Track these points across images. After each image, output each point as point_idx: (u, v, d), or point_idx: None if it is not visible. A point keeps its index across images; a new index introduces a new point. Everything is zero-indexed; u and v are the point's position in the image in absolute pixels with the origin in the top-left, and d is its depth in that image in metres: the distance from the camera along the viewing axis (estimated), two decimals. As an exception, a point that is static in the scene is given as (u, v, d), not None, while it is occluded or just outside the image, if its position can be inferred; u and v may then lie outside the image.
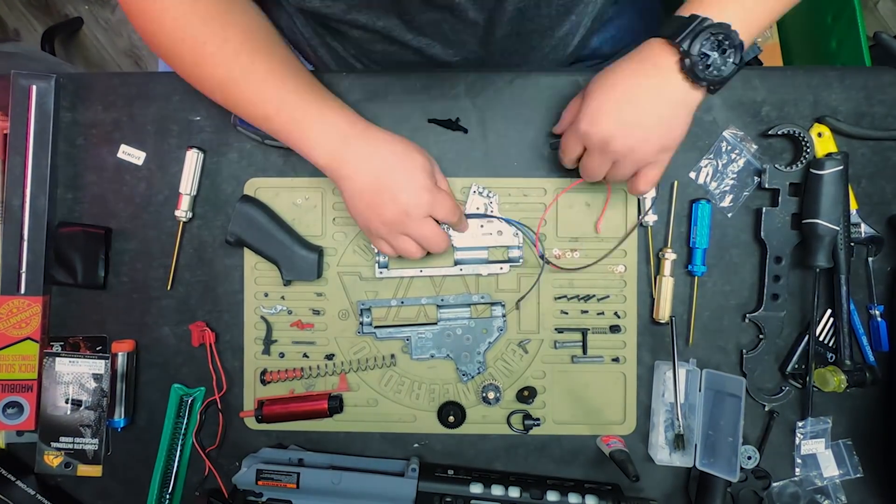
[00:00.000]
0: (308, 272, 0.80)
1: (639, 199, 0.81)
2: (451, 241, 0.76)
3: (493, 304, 0.82)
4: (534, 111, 0.81)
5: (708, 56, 0.60)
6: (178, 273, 0.83)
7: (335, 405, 0.81)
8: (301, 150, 0.71)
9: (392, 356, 0.82)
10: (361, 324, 0.82)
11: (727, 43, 0.60)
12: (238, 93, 0.69)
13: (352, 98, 0.81)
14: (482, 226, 0.81)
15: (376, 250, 0.81)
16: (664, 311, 0.80)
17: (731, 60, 0.61)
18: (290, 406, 0.81)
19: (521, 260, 0.81)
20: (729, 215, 0.81)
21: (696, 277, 0.81)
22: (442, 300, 0.82)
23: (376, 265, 0.82)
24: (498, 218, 0.80)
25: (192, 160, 0.81)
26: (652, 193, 0.80)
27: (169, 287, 0.83)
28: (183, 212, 0.82)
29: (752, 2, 0.61)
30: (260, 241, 0.80)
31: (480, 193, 0.81)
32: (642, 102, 0.63)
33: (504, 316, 0.82)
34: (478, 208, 0.81)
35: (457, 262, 0.82)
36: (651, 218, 0.80)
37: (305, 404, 0.81)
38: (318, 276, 0.81)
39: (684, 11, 0.62)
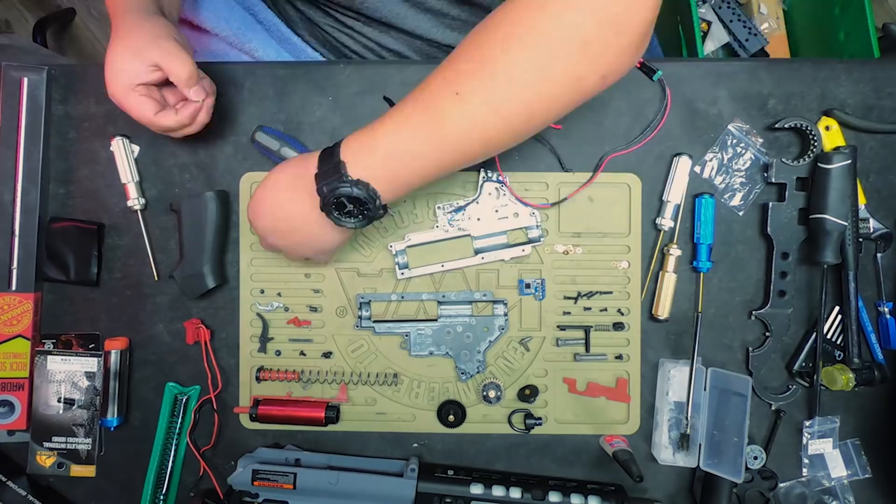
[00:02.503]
0: (190, 289, 0.79)
1: (661, 201, 0.79)
2: (179, 121, 0.69)
3: (495, 301, 0.81)
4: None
5: (345, 206, 0.62)
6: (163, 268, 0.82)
7: (332, 416, 0.79)
8: None
9: (395, 375, 0.81)
10: (360, 317, 0.81)
11: (365, 206, 0.61)
12: None
13: (350, 90, 0.80)
14: (497, 210, 0.79)
15: (395, 252, 0.80)
16: (664, 308, 0.79)
17: (353, 221, 0.63)
18: (286, 410, 0.79)
19: (542, 239, 0.80)
20: (740, 213, 0.79)
21: (702, 274, 0.79)
22: (443, 296, 0.80)
23: (396, 266, 0.80)
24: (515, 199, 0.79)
25: (119, 148, 0.80)
26: (677, 200, 0.78)
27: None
28: (134, 200, 0.80)
29: (398, 169, 0.60)
30: (188, 230, 0.78)
31: (490, 179, 0.79)
32: (294, 218, 0.65)
33: (506, 314, 0.80)
34: (490, 194, 0.79)
35: (477, 252, 0.80)
36: (668, 223, 0.79)
37: (301, 410, 0.79)
38: (194, 297, 0.80)
39: (345, 150, 0.60)
